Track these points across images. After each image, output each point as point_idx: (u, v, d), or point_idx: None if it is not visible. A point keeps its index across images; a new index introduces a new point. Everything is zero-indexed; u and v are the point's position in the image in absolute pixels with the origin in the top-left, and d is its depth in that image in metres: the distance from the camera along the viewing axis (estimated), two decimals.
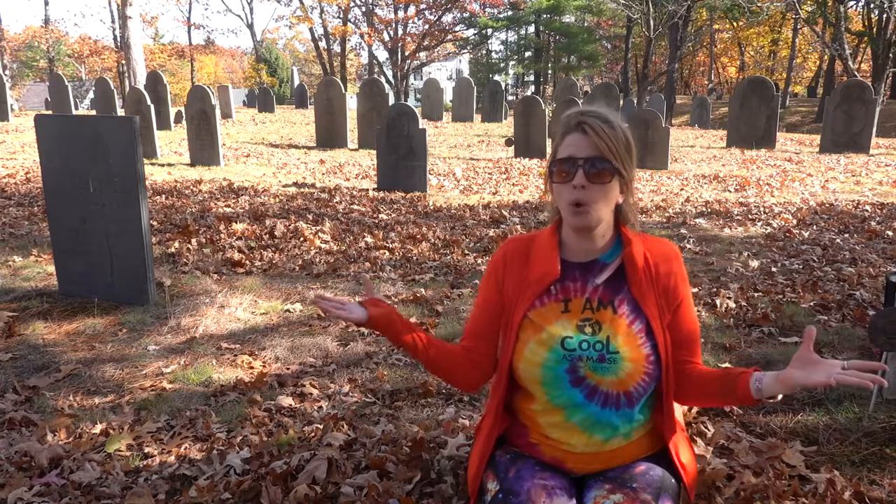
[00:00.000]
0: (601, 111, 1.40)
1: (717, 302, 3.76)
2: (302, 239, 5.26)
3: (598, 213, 1.39)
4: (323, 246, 5.12)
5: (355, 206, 6.75)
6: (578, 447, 1.45)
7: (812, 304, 3.76)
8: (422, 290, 4.10)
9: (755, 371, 1.38)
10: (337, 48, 37.40)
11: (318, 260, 4.73)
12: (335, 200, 7.09)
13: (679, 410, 1.60)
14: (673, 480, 1.46)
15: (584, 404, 1.43)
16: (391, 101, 12.82)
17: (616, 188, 1.40)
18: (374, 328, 1.56)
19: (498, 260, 1.57)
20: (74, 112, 18.62)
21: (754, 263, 4.65)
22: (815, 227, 5.78)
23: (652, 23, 25.77)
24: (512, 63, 46.23)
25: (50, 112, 19.02)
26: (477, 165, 10.23)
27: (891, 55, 20.45)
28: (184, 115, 11.80)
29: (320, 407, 2.63)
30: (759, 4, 22.13)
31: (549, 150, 11.31)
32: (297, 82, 39.58)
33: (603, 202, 1.38)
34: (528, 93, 30.22)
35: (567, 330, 1.43)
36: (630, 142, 1.41)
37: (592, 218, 1.39)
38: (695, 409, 2.51)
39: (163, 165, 9.73)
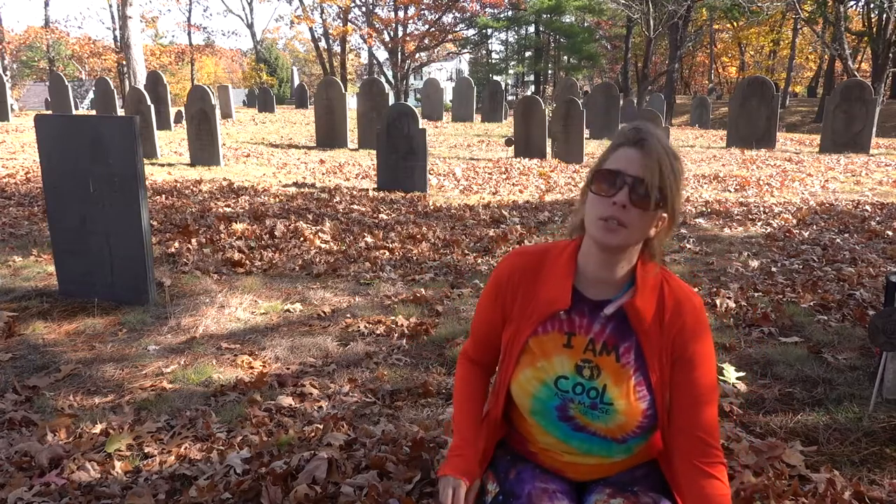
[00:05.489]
0: (664, 137, 1.28)
1: (717, 302, 3.76)
2: (302, 239, 5.26)
3: (629, 237, 1.26)
4: (323, 246, 5.12)
5: (355, 206, 6.75)
6: (578, 460, 1.43)
7: (812, 303, 3.76)
8: (422, 289, 4.10)
9: None
10: (337, 48, 37.38)
11: (318, 260, 4.73)
12: (335, 200, 7.09)
13: None
14: None
15: (575, 435, 1.39)
16: (391, 101, 12.82)
17: (653, 219, 1.27)
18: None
19: (503, 277, 1.44)
20: (74, 112, 18.61)
21: (754, 263, 4.65)
22: (815, 227, 5.78)
23: (652, 23, 25.76)
24: (512, 63, 46.20)
25: (50, 112, 19.03)
26: (477, 165, 10.23)
27: (891, 55, 20.44)
28: (184, 115, 11.80)
29: (320, 407, 2.63)
30: (759, 4, 22.10)
31: (549, 150, 11.22)
32: (297, 82, 39.58)
33: (637, 229, 1.26)
34: (528, 93, 30.21)
35: (565, 368, 1.36)
36: (680, 177, 1.28)
37: (622, 239, 1.26)
38: None
39: (163, 165, 9.73)
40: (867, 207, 6.59)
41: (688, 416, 1.34)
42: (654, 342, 1.33)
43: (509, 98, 33.72)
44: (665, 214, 1.28)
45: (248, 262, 4.63)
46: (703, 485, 1.31)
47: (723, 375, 2.81)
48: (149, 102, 10.72)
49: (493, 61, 47.60)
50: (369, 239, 5.33)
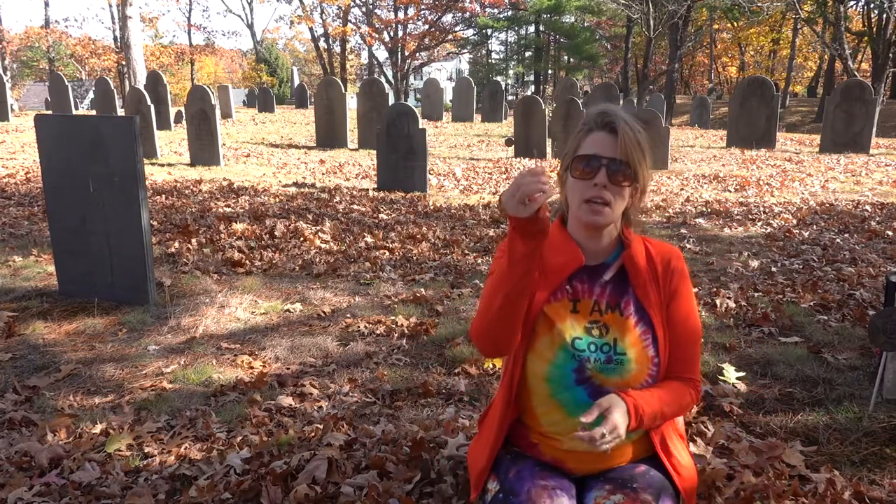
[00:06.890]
0: (628, 116, 1.42)
1: (717, 302, 3.76)
2: (302, 239, 5.26)
3: (612, 214, 1.42)
4: (323, 246, 5.12)
5: (355, 206, 6.75)
6: (579, 446, 1.44)
7: (812, 303, 3.76)
8: (422, 289, 4.10)
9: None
10: (337, 48, 37.39)
11: (318, 260, 4.73)
12: (335, 200, 7.09)
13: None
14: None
15: (587, 402, 1.42)
16: (391, 101, 12.82)
17: (629, 192, 1.44)
18: (533, 231, 1.29)
19: None
20: (74, 112, 18.61)
21: (754, 263, 4.65)
22: (815, 227, 5.78)
23: (652, 23, 25.73)
24: (512, 63, 46.18)
25: (50, 112, 19.02)
26: (477, 165, 10.23)
27: (891, 55, 20.43)
28: (184, 115, 11.80)
29: (320, 407, 2.63)
30: (759, 4, 22.08)
31: (549, 150, 11.20)
32: (297, 82, 39.57)
33: (618, 203, 1.42)
34: (528, 93, 30.20)
35: (576, 330, 1.45)
36: (647, 149, 1.44)
37: (606, 217, 1.41)
38: (694, 409, 2.51)
39: (163, 165, 9.73)
40: (867, 207, 6.59)
41: (681, 352, 1.48)
42: (649, 293, 1.47)
43: (509, 98, 33.70)
44: (637, 185, 1.44)
45: (248, 262, 4.63)
46: (672, 382, 1.48)
47: (723, 375, 2.81)
48: (149, 102, 10.72)
49: (493, 61, 47.57)
50: (369, 239, 5.33)
